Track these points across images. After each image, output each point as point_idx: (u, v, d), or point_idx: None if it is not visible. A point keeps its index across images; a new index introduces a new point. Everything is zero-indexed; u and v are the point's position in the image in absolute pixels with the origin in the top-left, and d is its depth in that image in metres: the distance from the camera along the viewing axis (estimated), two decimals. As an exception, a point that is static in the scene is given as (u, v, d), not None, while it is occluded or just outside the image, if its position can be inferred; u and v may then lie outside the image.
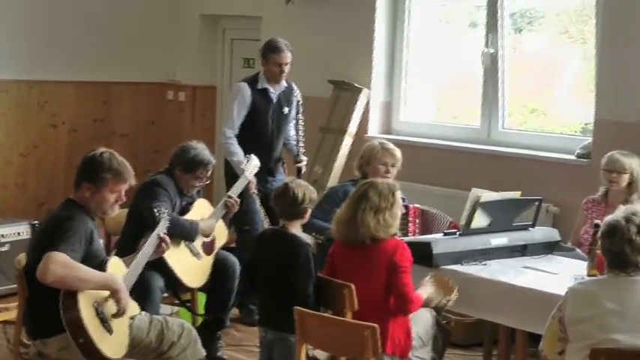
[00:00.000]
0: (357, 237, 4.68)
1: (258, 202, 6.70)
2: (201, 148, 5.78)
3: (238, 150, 6.65)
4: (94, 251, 4.39)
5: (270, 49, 6.75)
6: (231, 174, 6.61)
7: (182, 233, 5.56)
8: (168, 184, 5.67)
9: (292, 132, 7.01)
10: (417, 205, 6.16)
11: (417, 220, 6.00)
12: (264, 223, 6.70)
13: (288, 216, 4.93)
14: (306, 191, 4.92)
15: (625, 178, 5.86)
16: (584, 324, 3.68)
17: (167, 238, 4.68)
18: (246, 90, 6.75)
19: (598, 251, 3.88)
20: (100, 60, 9.21)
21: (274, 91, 6.81)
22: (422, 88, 8.12)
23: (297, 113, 6.90)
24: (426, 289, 4.78)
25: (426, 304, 4.77)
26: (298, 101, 6.89)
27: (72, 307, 4.13)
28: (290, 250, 4.81)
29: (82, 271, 4.18)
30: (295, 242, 4.84)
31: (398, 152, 6.02)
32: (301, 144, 6.92)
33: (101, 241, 4.61)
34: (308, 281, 4.77)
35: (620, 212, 3.83)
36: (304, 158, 6.95)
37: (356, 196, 4.76)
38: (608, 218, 3.81)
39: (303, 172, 6.96)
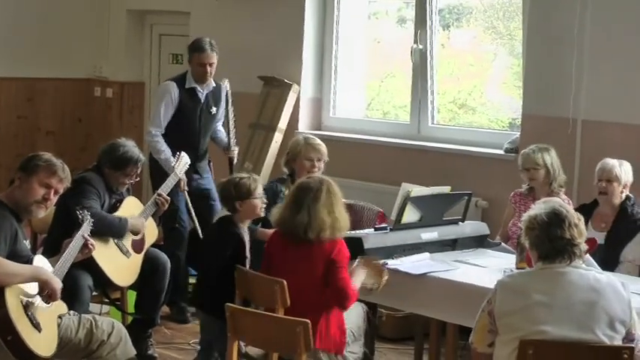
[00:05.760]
0: (303, 234, 4.69)
1: (185, 201, 6.66)
2: (130, 145, 5.72)
3: (165, 147, 6.59)
4: (19, 251, 4.36)
5: (194, 49, 6.69)
6: (158, 172, 6.55)
7: (111, 230, 5.50)
8: (97, 181, 5.60)
9: (220, 125, 6.98)
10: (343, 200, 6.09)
11: None
12: (193, 222, 6.67)
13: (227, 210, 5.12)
14: (231, 188, 5.06)
15: (541, 173, 5.97)
16: (513, 316, 3.72)
17: (91, 241, 4.63)
18: (174, 89, 6.69)
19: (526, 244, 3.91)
20: (24, 55, 9.07)
21: (202, 91, 6.76)
22: (352, 84, 8.14)
23: (227, 104, 6.86)
24: (358, 276, 4.81)
25: (360, 291, 4.80)
26: (227, 91, 6.85)
27: (-1, 305, 4.08)
28: (225, 230, 5.04)
29: (9, 266, 4.16)
30: (231, 224, 5.06)
31: (323, 147, 6.00)
32: (232, 135, 6.88)
33: (27, 242, 4.55)
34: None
35: (545, 204, 3.88)
36: (235, 148, 6.93)
37: (311, 194, 4.75)
38: (541, 210, 3.84)
39: (235, 162, 6.93)
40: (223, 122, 6.98)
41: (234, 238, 5.03)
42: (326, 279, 4.65)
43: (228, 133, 6.90)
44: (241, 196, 5.05)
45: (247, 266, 5.06)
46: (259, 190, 5.14)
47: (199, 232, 6.60)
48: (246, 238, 5.15)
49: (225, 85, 6.88)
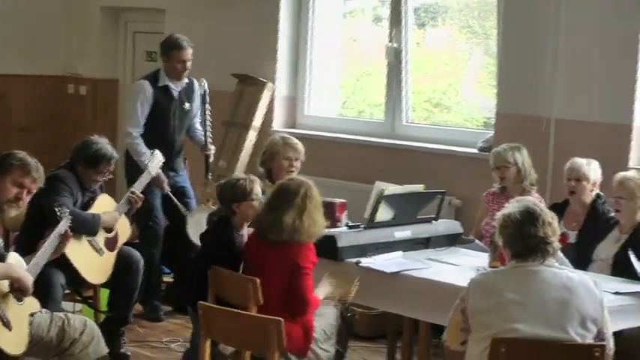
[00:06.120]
0: (273, 236, 4.69)
1: (165, 198, 6.67)
2: (103, 143, 5.69)
3: (146, 150, 6.55)
4: (-8, 248, 4.31)
5: (172, 46, 6.67)
6: (133, 170, 6.52)
7: (84, 227, 5.47)
8: (69, 179, 5.57)
9: (197, 124, 6.96)
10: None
11: None
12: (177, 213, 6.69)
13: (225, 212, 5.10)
14: (228, 190, 5.02)
15: (512, 171, 5.99)
16: (486, 314, 3.73)
17: (68, 235, 4.59)
18: (148, 88, 6.68)
19: (500, 242, 3.92)
20: (-4, 52, 9.01)
21: (176, 88, 6.75)
22: (326, 82, 8.14)
23: (204, 103, 6.85)
24: (323, 289, 4.83)
25: (326, 302, 4.81)
26: (205, 91, 6.85)
27: (-31, 304, 4.05)
28: (220, 233, 5.00)
29: None
30: (227, 227, 4.98)
31: (300, 146, 5.99)
32: (209, 133, 6.87)
33: (0, 240, 4.52)
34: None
35: (519, 203, 3.89)
36: (212, 147, 6.91)
37: (288, 197, 4.73)
38: (514, 209, 3.85)
39: (211, 160, 6.92)
40: (201, 121, 6.96)
41: (227, 242, 4.96)
42: (290, 283, 4.65)
43: (205, 133, 6.88)
44: (238, 198, 5.00)
45: (240, 270, 5.02)
46: (257, 192, 5.08)
47: (181, 208, 6.69)
48: (244, 240, 5.10)
49: (203, 84, 6.86)
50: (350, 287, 4.86)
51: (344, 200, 5.92)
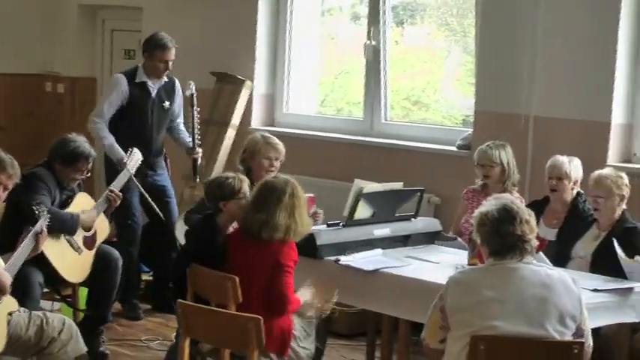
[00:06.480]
0: (258, 233, 4.67)
1: (141, 196, 6.64)
2: (81, 141, 5.68)
3: (108, 134, 6.57)
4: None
5: (156, 46, 6.64)
6: (112, 168, 6.50)
7: (63, 226, 5.46)
8: (47, 177, 5.55)
9: (181, 125, 6.94)
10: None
11: None
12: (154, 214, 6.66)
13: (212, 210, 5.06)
14: (215, 187, 4.98)
15: (497, 170, 5.98)
16: (465, 312, 3.74)
17: (45, 233, 4.57)
18: (124, 83, 6.65)
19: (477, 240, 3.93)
20: (-27, 50, 8.97)
21: (154, 85, 6.72)
22: (305, 80, 8.14)
23: (192, 106, 6.79)
24: (304, 294, 4.82)
25: (304, 309, 4.79)
26: (193, 93, 6.79)
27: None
28: (204, 232, 4.95)
29: None
30: (213, 226, 4.93)
31: (281, 146, 5.97)
32: (197, 136, 6.83)
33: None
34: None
35: (496, 201, 3.90)
36: (199, 150, 6.87)
37: (275, 195, 4.72)
38: (492, 207, 3.86)
39: (199, 163, 6.88)
40: (186, 123, 6.91)
41: (212, 241, 4.92)
42: (271, 281, 4.64)
43: (193, 135, 6.83)
44: (226, 197, 4.97)
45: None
46: (245, 191, 5.04)
47: (160, 215, 6.64)
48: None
49: (191, 87, 6.80)
50: (330, 296, 4.86)
51: (312, 195, 5.92)
